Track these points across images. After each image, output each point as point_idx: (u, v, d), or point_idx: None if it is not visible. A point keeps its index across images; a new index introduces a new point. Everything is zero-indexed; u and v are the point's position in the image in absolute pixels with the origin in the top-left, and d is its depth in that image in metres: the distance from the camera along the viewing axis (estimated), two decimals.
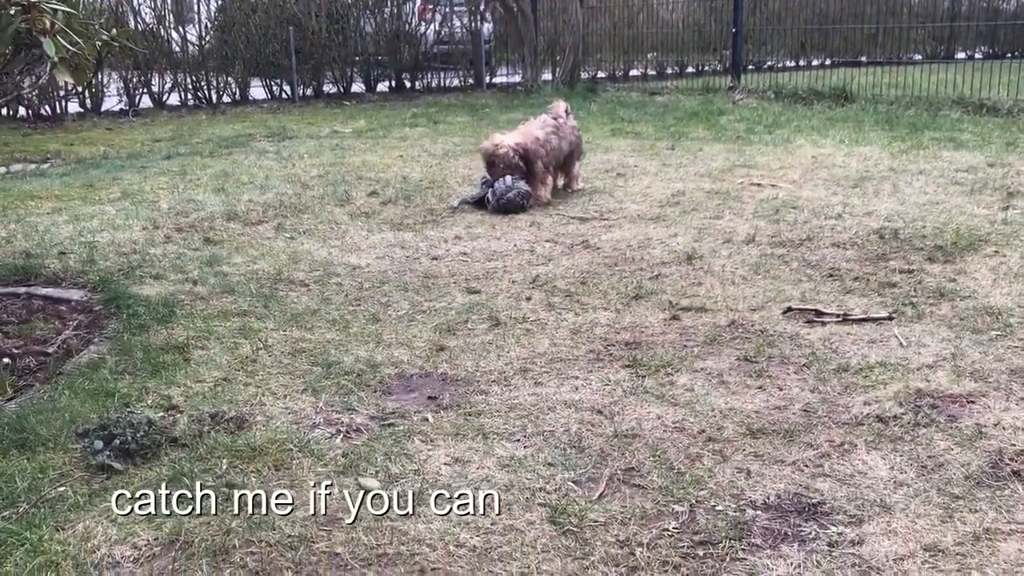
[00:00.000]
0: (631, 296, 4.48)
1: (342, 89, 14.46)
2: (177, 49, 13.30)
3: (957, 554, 2.37)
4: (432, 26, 15.05)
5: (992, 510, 2.56)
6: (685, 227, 5.72)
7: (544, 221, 6.06)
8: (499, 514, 2.62)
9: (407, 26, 14.77)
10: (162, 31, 13.09)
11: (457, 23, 15.43)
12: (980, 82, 11.41)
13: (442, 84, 15.27)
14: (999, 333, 3.82)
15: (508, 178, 6.36)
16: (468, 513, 2.62)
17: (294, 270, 5.02)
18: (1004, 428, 3.01)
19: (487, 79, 15.43)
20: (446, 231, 5.86)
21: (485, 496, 2.69)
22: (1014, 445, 2.90)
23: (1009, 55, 18.60)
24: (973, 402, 3.20)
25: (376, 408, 3.30)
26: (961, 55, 17.93)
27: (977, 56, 18.54)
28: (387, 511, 2.62)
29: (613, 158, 8.18)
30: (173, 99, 13.26)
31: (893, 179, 6.88)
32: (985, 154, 7.76)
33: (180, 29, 13.33)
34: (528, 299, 4.49)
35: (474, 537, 2.51)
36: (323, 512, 2.62)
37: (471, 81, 15.35)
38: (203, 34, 13.52)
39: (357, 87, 14.65)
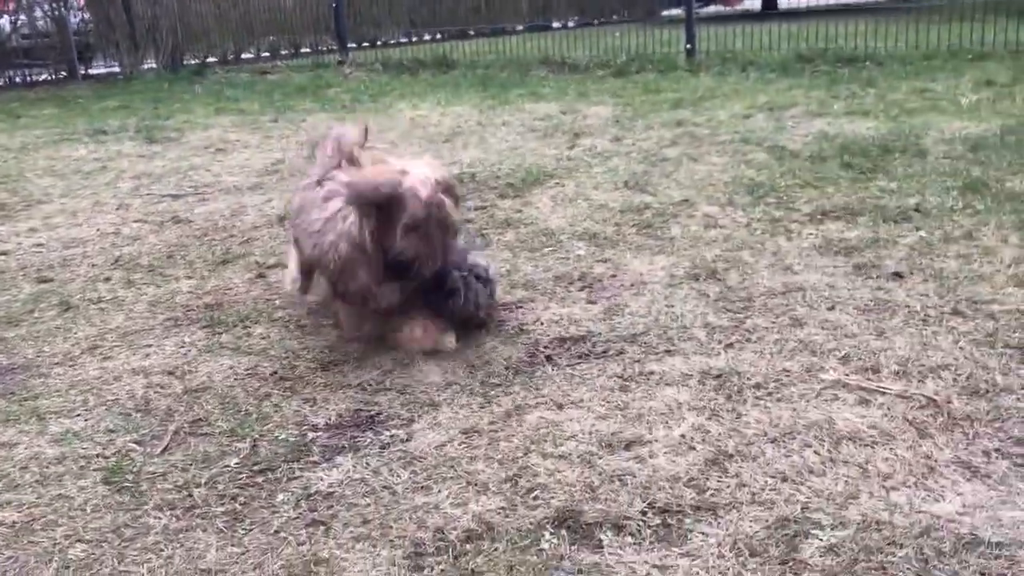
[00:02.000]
0: (218, 262, 4.42)
1: None
2: None
3: (490, 431, 2.64)
4: (6, 18, 13.57)
5: (524, 390, 2.88)
6: (281, 192, 5.73)
7: (134, 203, 5.76)
8: (46, 487, 2.48)
9: None
10: None
11: (39, 13, 14.04)
12: (567, 45, 12.58)
13: (28, 79, 13.85)
14: (551, 248, 4.28)
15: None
16: (10, 493, 2.45)
17: None
18: (542, 323, 3.39)
19: (82, 70, 14.23)
20: (19, 225, 5.37)
21: (31, 474, 2.54)
22: (548, 335, 3.28)
23: (596, 22, 20.67)
24: (521, 307, 3.57)
25: None
26: (557, 24, 19.63)
27: (570, 24, 20.38)
28: None
29: (214, 134, 7.97)
30: None
31: (480, 132, 7.40)
32: (560, 104, 8.59)
33: None
34: (107, 280, 4.27)
35: (14, 514, 2.36)
36: None
37: (64, 74, 14.08)
38: None
39: None
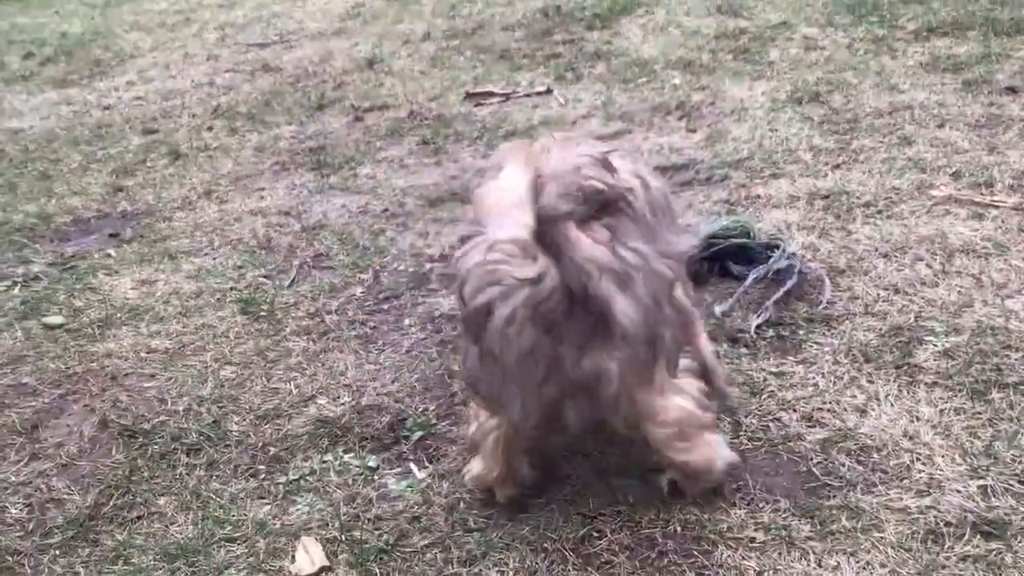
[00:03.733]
0: (315, 107, 4.49)
1: None
2: None
3: None
4: None
5: None
6: (366, 36, 5.71)
7: (222, 53, 5.82)
8: (190, 318, 2.68)
9: None
10: None
11: None
12: None
13: None
14: (646, 79, 4.22)
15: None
16: (157, 324, 2.66)
17: None
18: (642, 153, 3.40)
19: None
20: (117, 80, 5.51)
21: (173, 307, 2.74)
22: (650, 164, 3.30)
23: None
24: (619, 137, 3.58)
25: (54, 255, 3.19)
26: None
27: None
28: (75, 341, 2.61)
29: None
30: None
31: None
32: None
33: None
34: (210, 128, 4.39)
35: (166, 342, 2.57)
36: (5, 355, 2.57)
37: None
38: None
39: None
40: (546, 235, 1.46)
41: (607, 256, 1.48)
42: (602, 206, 1.51)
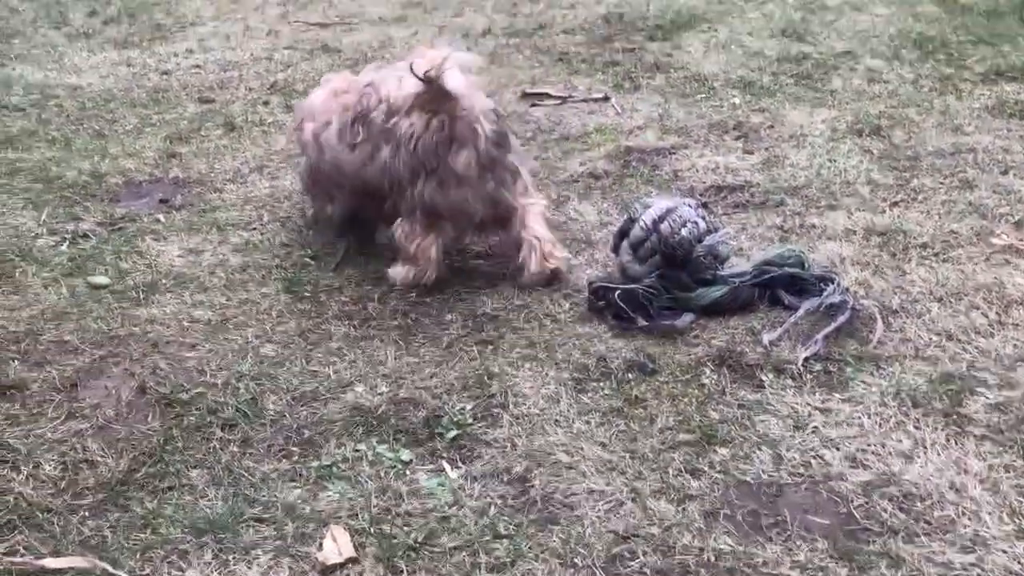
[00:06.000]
0: None
1: None
2: None
3: None
4: None
5: None
6: (426, 26, 5.71)
7: (283, 30, 5.85)
8: (234, 291, 2.69)
9: None
10: None
11: None
12: None
13: None
14: (704, 96, 4.18)
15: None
16: (202, 295, 2.67)
17: (6, 95, 4.62)
18: (697, 171, 3.37)
19: None
20: (176, 45, 5.54)
21: (219, 279, 2.75)
22: (704, 183, 3.27)
23: None
24: (674, 153, 3.55)
25: (104, 215, 3.21)
26: None
27: None
28: (119, 303, 2.63)
29: None
30: None
31: None
32: None
33: None
34: (266, 104, 4.41)
35: (208, 313, 2.58)
36: (50, 310, 2.59)
37: None
38: None
39: None
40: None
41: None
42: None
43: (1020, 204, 2.95)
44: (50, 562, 1.74)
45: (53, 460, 2.01)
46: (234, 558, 1.74)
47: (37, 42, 5.64)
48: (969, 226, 2.83)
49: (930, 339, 2.29)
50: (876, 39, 4.80)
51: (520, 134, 3.83)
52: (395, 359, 2.34)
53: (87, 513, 1.87)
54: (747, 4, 5.69)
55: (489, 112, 2.63)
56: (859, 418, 2.03)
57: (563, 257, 2.66)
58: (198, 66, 5.11)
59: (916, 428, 1.99)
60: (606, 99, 4.20)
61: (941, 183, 3.14)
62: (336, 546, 1.76)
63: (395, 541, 1.76)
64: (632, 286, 2.43)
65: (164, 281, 2.75)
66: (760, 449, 1.95)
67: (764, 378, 2.18)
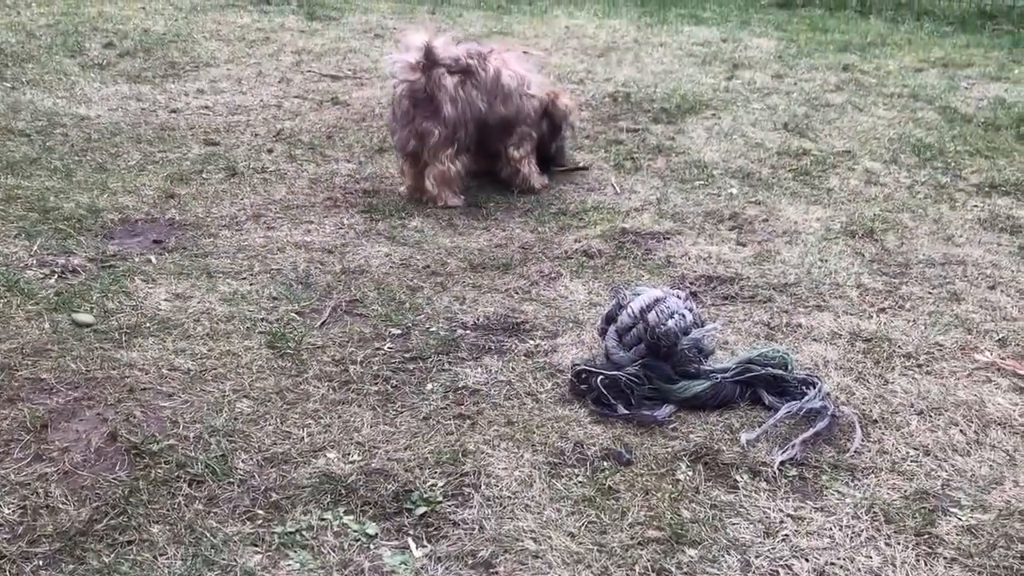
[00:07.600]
0: (375, 150, 4.55)
1: None
2: None
3: None
4: None
5: None
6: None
7: (295, 78, 5.93)
8: (216, 341, 2.68)
9: None
10: None
11: None
12: None
13: None
14: (703, 183, 4.23)
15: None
16: (184, 342, 2.66)
17: (13, 120, 4.65)
18: (689, 258, 3.39)
19: None
20: (188, 85, 5.61)
21: (203, 327, 2.74)
22: (695, 271, 3.29)
23: None
24: (668, 238, 3.58)
25: (95, 251, 3.21)
26: None
27: None
28: (100, 343, 2.61)
29: (372, 19, 8.04)
30: None
31: (636, 50, 7.25)
32: (721, 30, 8.31)
33: None
34: (270, 151, 4.45)
35: (189, 362, 2.56)
36: (30, 345, 2.57)
37: None
38: None
39: None
40: (425, 64, 3.63)
41: (450, 84, 3.64)
42: (462, 71, 3.68)
43: (1005, 321, 2.97)
44: None
45: (13, 504, 1.98)
46: None
47: (51, 68, 5.70)
48: (954, 339, 2.85)
49: (907, 453, 2.29)
50: (876, 141, 4.89)
51: (518, 206, 3.87)
52: (371, 426, 2.32)
53: (41, 562, 1.83)
54: (752, 95, 5.80)
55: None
56: (831, 529, 2.02)
57: None
58: (207, 107, 5.17)
59: (887, 545, 1.97)
60: (585, 168, 4.31)
61: (929, 293, 3.16)
62: None
63: None
64: (615, 373, 2.43)
65: (148, 324, 2.74)
66: (729, 553, 1.94)
67: (739, 479, 2.17)
